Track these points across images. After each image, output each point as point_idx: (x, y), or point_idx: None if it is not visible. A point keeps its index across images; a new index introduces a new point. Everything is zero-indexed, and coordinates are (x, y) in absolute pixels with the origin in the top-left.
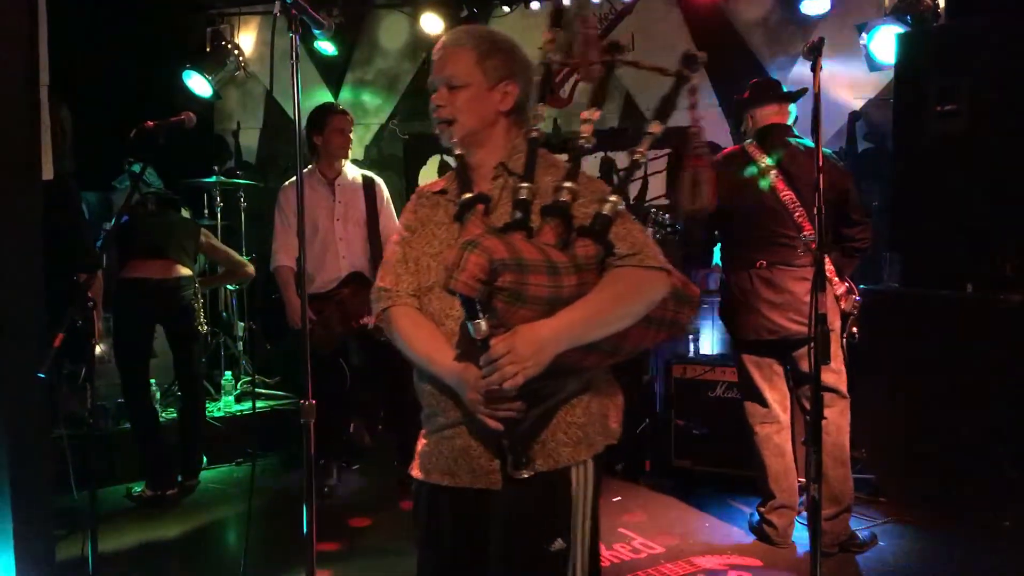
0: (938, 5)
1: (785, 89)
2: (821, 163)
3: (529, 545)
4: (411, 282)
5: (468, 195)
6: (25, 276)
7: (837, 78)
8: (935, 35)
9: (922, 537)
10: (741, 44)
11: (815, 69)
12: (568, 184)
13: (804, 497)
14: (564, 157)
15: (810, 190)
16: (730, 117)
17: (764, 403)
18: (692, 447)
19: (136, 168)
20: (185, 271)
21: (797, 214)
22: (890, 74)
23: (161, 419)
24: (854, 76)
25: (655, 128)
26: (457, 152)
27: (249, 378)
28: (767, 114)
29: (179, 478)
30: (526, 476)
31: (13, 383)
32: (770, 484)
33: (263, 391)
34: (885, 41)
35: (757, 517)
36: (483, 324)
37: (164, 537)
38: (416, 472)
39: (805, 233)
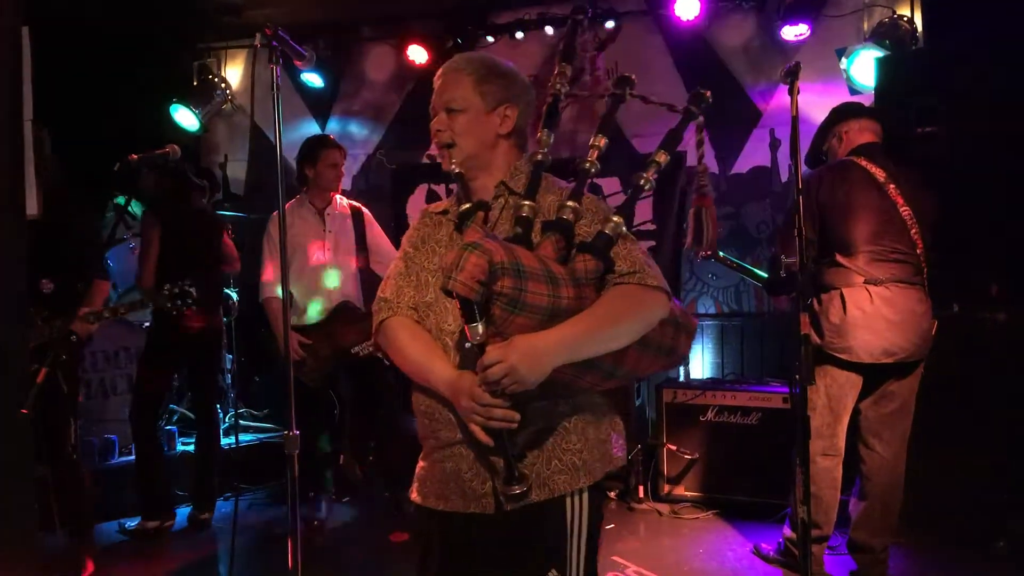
0: (916, 29)
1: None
2: (799, 185)
3: (521, 574)
4: (412, 295)
5: (467, 204)
6: (8, 312)
7: (818, 102)
8: (914, 58)
9: (916, 559)
10: (723, 70)
11: (793, 92)
12: (571, 203)
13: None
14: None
15: (920, 209)
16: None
17: (834, 432)
18: (684, 472)
19: (120, 201)
20: (218, 318)
21: (914, 231)
22: (870, 97)
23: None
24: (835, 100)
25: (661, 157)
26: (456, 171)
27: (237, 411)
28: (863, 131)
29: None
30: (517, 492)
31: None
32: (817, 515)
33: (251, 424)
34: (865, 65)
35: (780, 543)
36: (480, 328)
37: (150, 574)
38: (414, 495)
39: (919, 251)
